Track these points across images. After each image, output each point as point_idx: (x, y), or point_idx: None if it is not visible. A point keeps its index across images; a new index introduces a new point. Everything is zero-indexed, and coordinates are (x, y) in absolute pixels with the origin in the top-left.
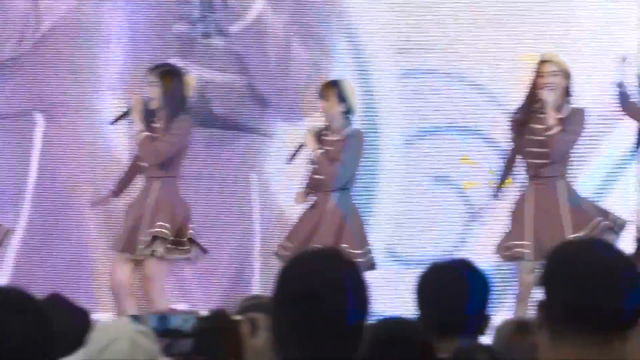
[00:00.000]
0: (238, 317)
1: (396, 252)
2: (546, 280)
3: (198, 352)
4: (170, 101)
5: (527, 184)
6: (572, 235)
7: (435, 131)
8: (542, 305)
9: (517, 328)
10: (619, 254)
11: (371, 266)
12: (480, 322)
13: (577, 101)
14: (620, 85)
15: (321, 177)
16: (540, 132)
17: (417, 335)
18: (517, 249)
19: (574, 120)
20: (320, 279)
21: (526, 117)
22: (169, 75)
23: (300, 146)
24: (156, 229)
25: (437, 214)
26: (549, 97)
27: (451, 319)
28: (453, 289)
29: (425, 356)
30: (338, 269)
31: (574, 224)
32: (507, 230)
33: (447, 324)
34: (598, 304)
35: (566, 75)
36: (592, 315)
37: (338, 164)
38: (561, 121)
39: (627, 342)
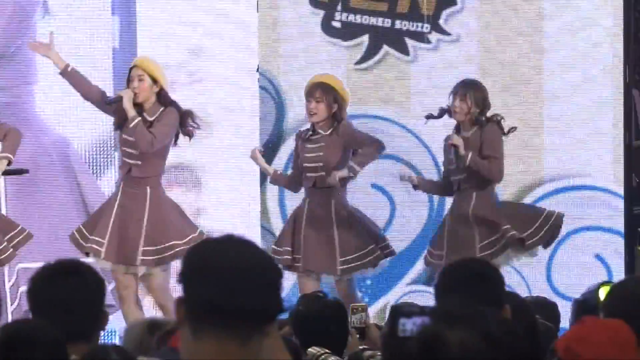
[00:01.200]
0: None
1: None
2: (185, 278)
3: None
4: (159, 94)
5: None
6: None
7: None
8: (181, 302)
9: (148, 328)
10: (258, 252)
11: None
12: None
13: None
14: None
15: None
16: None
17: (46, 335)
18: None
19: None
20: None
21: None
22: (158, 68)
23: None
24: (157, 257)
25: None
26: None
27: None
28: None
29: (56, 357)
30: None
31: None
32: None
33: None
34: (235, 301)
35: None
36: (231, 312)
37: None
38: None
39: (265, 337)
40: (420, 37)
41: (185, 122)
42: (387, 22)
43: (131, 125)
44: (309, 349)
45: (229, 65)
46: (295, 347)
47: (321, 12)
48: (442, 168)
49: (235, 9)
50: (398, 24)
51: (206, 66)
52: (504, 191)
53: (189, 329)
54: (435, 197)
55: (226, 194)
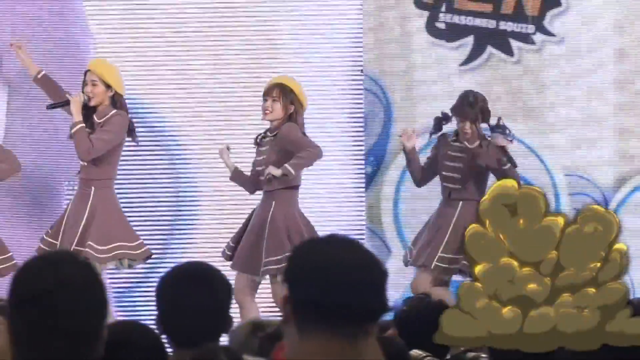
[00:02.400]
0: None
1: None
2: (291, 277)
3: None
4: (113, 97)
5: None
6: None
7: None
8: (287, 301)
9: (252, 329)
10: (362, 252)
11: None
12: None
13: None
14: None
15: None
16: None
17: (145, 338)
18: None
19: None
20: (53, 279)
21: None
22: (112, 72)
23: None
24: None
25: None
26: None
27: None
28: None
29: (157, 358)
30: (71, 270)
31: None
32: None
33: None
34: (342, 301)
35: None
36: (337, 311)
37: None
38: None
39: (370, 336)
40: (524, 38)
41: (133, 129)
42: (492, 23)
43: (72, 131)
44: (411, 352)
45: (334, 66)
46: (401, 347)
47: (425, 14)
48: (428, 160)
49: (340, 11)
50: (503, 25)
51: (311, 67)
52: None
53: (295, 327)
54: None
55: (330, 195)
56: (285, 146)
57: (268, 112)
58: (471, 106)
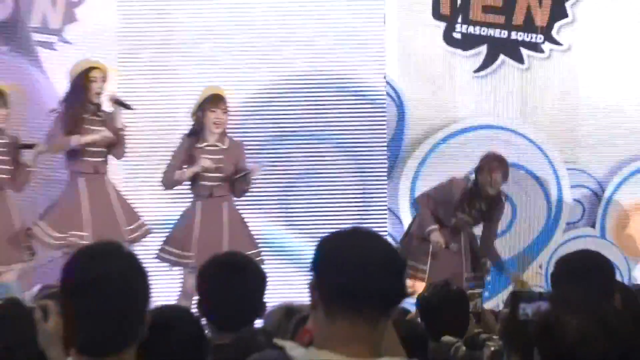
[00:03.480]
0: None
1: None
2: (318, 266)
3: None
4: None
5: None
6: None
7: None
8: (315, 287)
9: (286, 313)
10: (383, 243)
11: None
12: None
13: None
14: None
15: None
16: None
17: (188, 321)
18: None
19: None
20: (104, 268)
21: None
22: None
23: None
24: None
25: None
26: None
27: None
28: None
29: (197, 342)
30: (121, 259)
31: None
32: None
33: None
34: (366, 288)
35: None
36: (362, 297)
37: None
38: None
39: (390, 319)
40: (534, 47)
41: None
42: (504, 34)
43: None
44: (443, 337)
45: (359, 72)
46: (422, 330)
47: (443, 24)
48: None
49: (363, 22)
50: (514, 35)
51: (337, 73)
52: None
53: (322, 312)
54: (553, 193)
55: (354, 185)
56: (239, 163)
57: (220, 123)
58: None
